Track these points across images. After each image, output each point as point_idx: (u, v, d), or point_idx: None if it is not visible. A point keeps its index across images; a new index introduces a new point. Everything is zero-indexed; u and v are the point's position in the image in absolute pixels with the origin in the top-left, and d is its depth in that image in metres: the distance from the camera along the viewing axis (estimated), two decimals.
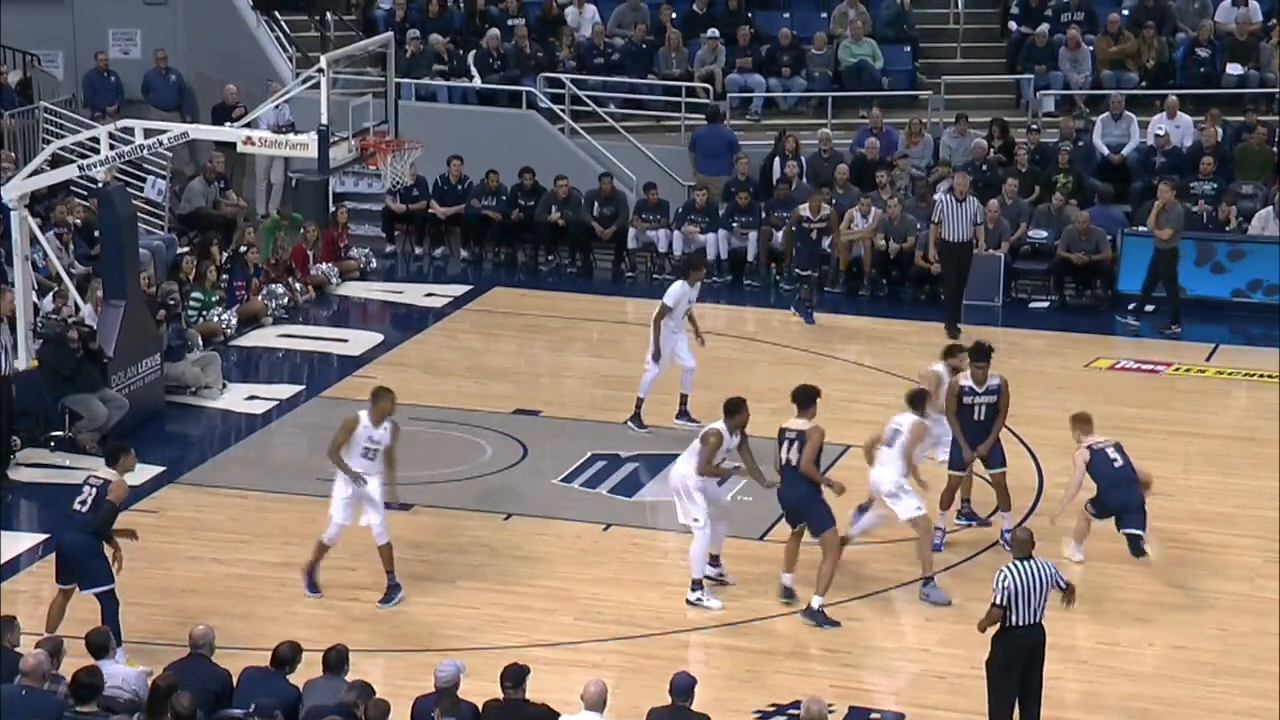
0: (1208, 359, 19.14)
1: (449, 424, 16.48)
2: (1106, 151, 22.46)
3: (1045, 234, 21.10)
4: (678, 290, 16.26)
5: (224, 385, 17.62)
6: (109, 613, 11.74)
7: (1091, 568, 13.89)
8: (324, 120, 15.34)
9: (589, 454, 15.74)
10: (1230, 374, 18.44)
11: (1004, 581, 10.99)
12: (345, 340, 19.46)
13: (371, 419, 13.01)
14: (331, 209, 22.06)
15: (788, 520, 13.19)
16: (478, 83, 23.90)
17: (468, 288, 21.34)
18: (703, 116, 23.36)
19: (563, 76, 23.70)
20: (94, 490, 11.96)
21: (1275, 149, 21.99)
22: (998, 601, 11.01)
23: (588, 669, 11.95)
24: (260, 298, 19.87)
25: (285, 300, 20.06)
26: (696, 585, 13.13)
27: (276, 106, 18.92)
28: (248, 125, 17.16)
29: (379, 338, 19.49)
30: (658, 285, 21.69)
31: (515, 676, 10.13)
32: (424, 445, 15.60)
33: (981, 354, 13.92)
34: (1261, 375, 18.46)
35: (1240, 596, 13.52)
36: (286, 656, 10.45)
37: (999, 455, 14.00)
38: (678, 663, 11.93)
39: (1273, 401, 17.40)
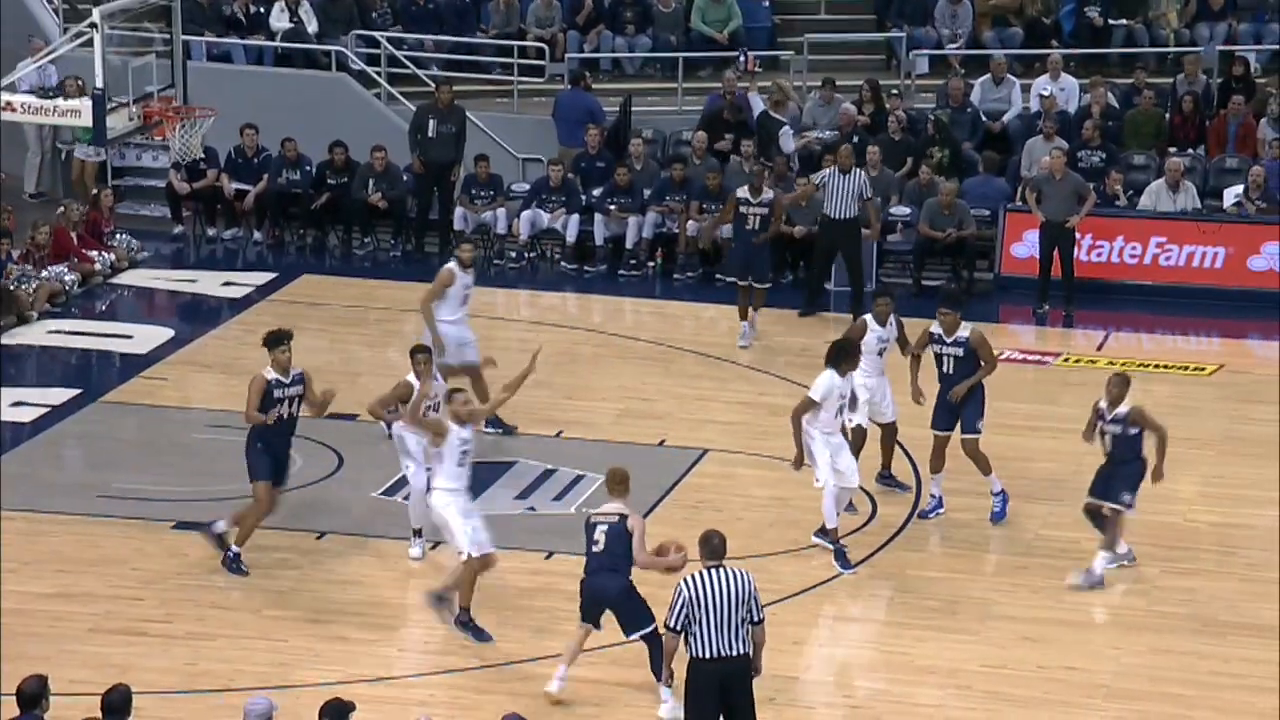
0: (1099, 348, 19.56)
1: None
2: (984, 119, 22.78)
3: (908, 210, 21.29)
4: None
5: None
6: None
7: (977, 581, 14.17)
8: (99, 84, 15.11)
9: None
10: (1124, 364, 18.86)
11: (680, 595, 10.04)
12: (129, 337, 19.19)
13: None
14: (94, 191, 21.63)
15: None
16: (279, 41, 23.69)
17: (271, 275, 21.14)
18: (535, 79, 23.36)
19: (377, 34, 23.57)
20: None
21: (1167, 114, 22.45)
22: (671, 623, 10.11)
23: (414, 707, 11.94)
24: (21, 286, 19.37)
25: (36, 286, 19.31)
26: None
27: (40, 68, 18.57)
28: (7, 89, 16.83)
29: (169, 333, 19.24)
30: (497, 272, 21.70)
31: (336, 714, 10.06)
32: (224, 456, 15.42)
33: (951, 301, 15.14)
34: (1158, 365, 18.93)
35: (1137, 612, 13.86)
36: (118, 704, 10.00)
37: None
38: (514, 700, 11.95)
39: (1166, 394, 17.82)
